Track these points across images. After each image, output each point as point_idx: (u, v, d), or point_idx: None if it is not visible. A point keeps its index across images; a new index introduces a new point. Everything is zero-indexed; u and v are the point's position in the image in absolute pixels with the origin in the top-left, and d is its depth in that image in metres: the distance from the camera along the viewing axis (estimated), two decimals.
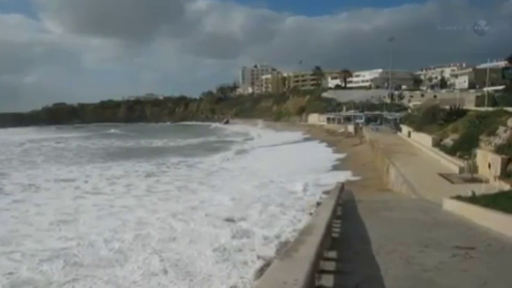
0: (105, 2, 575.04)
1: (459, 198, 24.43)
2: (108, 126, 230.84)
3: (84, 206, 39.74)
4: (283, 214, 33.23)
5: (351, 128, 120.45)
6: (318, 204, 31.04)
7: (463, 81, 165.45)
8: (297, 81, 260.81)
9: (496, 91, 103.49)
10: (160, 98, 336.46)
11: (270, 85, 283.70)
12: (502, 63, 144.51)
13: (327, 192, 35.70)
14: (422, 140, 60.21)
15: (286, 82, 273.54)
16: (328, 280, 10.84)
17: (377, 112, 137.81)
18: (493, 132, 41.21)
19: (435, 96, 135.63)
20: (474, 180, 34.86)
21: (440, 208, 24.90)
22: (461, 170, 39.41)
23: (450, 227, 18.62)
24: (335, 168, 62.45)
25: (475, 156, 39.51)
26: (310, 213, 28.67)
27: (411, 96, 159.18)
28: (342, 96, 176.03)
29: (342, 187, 33.00)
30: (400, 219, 21.04)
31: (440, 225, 19.16)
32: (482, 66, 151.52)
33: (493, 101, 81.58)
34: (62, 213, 36.64)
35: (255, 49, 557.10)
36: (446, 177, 37.45)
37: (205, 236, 27.66)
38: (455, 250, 14.07)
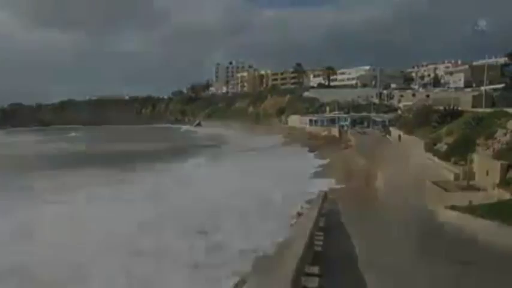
0: None
1: (455, 207, 24.53)
2: (68, 129, 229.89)
3: (41, 217, 39.43)
4: (261, 225, 33.20)
5: (335, 131, 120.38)
6: (299, 214, 31.07)
7: (458, 80, 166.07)
8: (276, 79, 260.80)
9: (495, 90, 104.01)
10: (126, 97, 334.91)
11: (246, 84, 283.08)
12: (502, 60, 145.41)
13: (308, 202, 35.72)
14: (414, 144, 60.43)
15: (264, 80, 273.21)
16: None
17: (364, 113, 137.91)
18: (491, 136, 41.49)
19: (428, 96, 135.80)
20: (471, 188, 34.99)
21: (434, 218, 24.97)
22: (457, 176, 39.58)
23: (445, 239, 18.66)
24: (317, 175, 62.52)
25: (471, 161, 39.58)
26: (291, 225, 28.68)
27: (401, 96, 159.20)
28: (325, 96, 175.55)
29: (325, 196, 33.00)
30: (390, 231, 21.06)
31: (434, 236, 19.20)
32: (480, 62, 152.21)
33: (491, 101, 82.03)
34: (16, 226, 36.34)
35: (230, 44, 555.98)
36: (441, 185, 37.57)
37: (175, 250, 27.58)
38: (451, 263, 14.10)
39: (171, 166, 79.40)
